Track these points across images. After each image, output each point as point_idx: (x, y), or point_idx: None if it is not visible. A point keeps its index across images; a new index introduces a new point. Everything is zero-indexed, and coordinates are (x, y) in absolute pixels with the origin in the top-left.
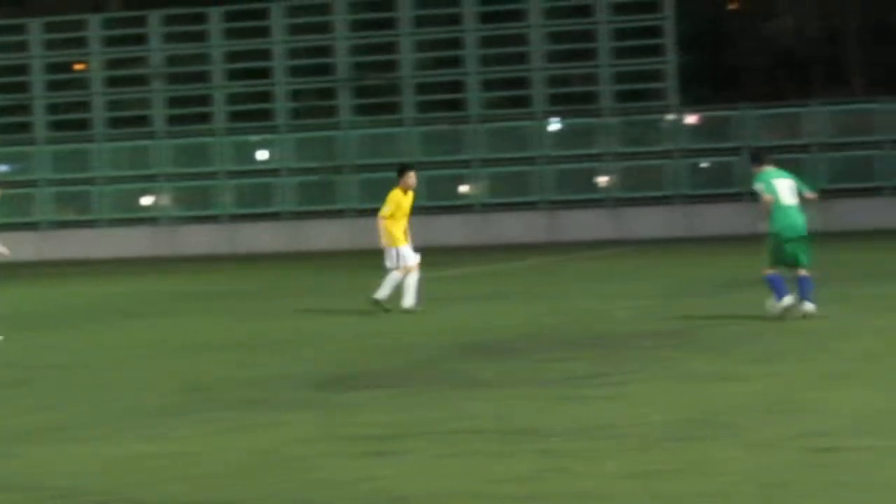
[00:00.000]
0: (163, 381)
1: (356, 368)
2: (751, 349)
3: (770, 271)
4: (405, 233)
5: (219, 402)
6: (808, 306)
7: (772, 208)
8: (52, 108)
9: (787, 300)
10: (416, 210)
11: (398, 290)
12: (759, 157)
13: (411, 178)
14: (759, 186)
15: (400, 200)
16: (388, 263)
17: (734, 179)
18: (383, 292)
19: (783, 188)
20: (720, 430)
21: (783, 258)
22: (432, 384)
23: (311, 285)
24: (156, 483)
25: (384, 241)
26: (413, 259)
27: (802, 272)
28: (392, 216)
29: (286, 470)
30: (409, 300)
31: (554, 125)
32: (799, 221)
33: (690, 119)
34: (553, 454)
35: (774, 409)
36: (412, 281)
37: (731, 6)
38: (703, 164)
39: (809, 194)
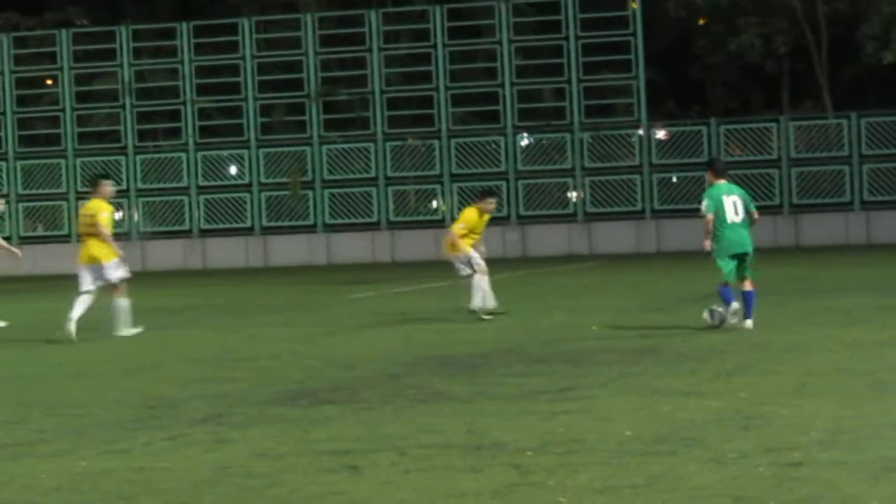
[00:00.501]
0: (127, 396)
1: (322, 383)
2: (720, 363)
3: (725, 285)
4: (473, 246)
5: (183, 417)
6: (748, 323)
7: (716, 226)
8: (22, 124)
9: (731, 318)
10: (384, 224)
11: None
12: (719, 168)
13: (491, 204)
14: (704, 204)
15: (475, 221)
16: (462, 272)
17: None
18: (476, 301)
19: (728, 205)
20: (689, 445)
21: (731, 274)
22: (399, 399)
23: (281, 300)
24: (119, 498)
25: (449, 251)
26: (481, 261)
27: (747, 286)
28: (463, 234)
29: (252, 485)
30: (477, 301)
31: (524, 140)
32: (744, 237)
33: (659, 134)
34: (525, 468)
35: (743, 423)
36: (484, 283)
37: (699, 22)
38: (673, 179)
39: (755, 214)
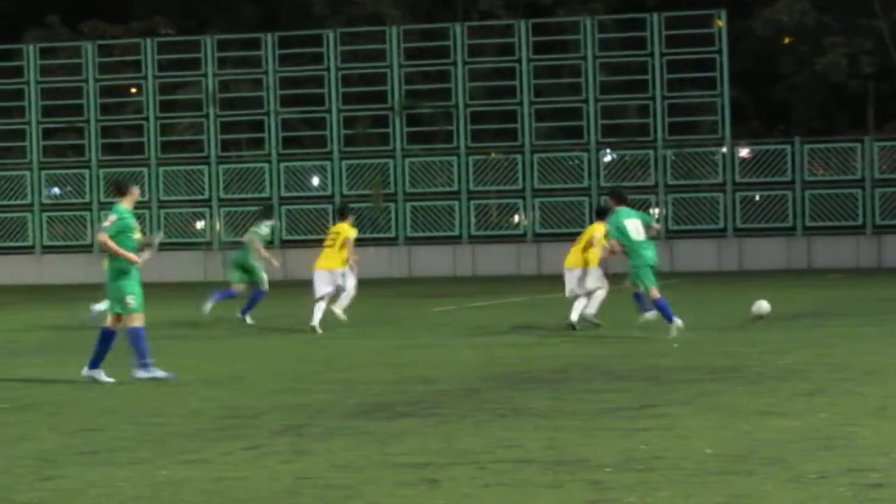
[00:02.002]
0: (207, 406)
1: (401, 396)
2: (800, 383)
3: (657, 294)
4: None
5: (262, 428)
6: (650, 315)
7: (628, 246)
8: (106, 132)
9: (678, 323)
10: (466, 238)
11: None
12: (620, 195)
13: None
14: (608, 229)
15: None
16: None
17: (787, 213)
18: (585, 312)
19: (631, 227)
20: (769, 465)
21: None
22: (479, 413)
23: (361, 313)
24: None
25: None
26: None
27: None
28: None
29: (330, 497)
30: (575, 315)
31: (607, 156)
32: (650, 252)
33: (743, 152)
34: (604, 485)
35: (823, 443)
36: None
37: (785, 41)
38: (756, 198)
39: (654, 226)
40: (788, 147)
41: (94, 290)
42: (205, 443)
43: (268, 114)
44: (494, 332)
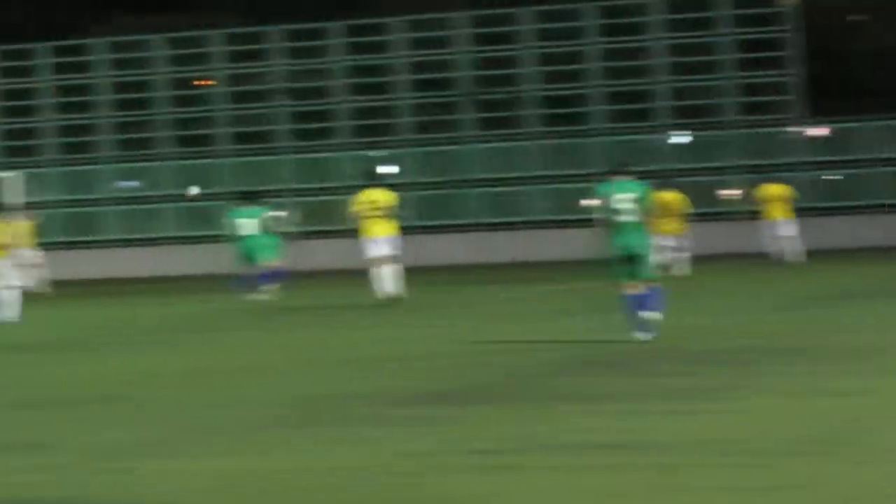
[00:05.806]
0: (272, 396)
1: (468, 382)
2: (868, 363)
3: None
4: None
5: (328, 417)
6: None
7: None
8: (176, 124)
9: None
10: (539, 223)
11: None
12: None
13: None
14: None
15: None
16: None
17: (860, 192)
18: None
19: None
20: (841, 445)
21: None
22: (545, 398)
23: (431, 300)
24: (264, 498)
25: None
26: None
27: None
28: None
29: (399, 485)
30: None
31: (677, 138)
32: None
33: (816, 131)
34: (671, 469)
35: None
36: None
37: (857, 17)
38: (829, 177)
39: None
40: (862, 125)
41: (157, 282)
42: (269, 433)
43: (336, 103)
44: (563, 317)
